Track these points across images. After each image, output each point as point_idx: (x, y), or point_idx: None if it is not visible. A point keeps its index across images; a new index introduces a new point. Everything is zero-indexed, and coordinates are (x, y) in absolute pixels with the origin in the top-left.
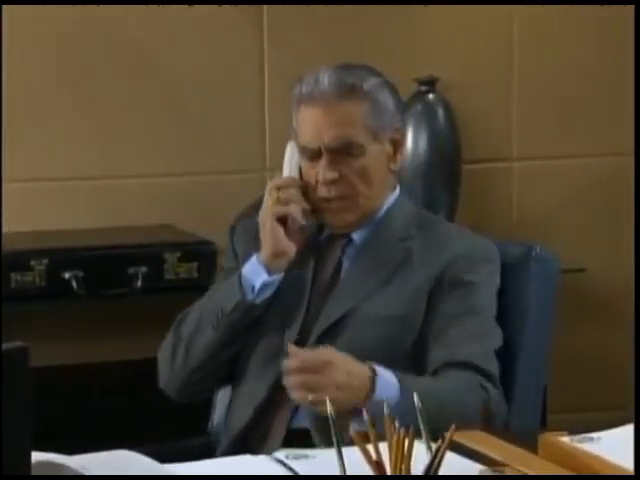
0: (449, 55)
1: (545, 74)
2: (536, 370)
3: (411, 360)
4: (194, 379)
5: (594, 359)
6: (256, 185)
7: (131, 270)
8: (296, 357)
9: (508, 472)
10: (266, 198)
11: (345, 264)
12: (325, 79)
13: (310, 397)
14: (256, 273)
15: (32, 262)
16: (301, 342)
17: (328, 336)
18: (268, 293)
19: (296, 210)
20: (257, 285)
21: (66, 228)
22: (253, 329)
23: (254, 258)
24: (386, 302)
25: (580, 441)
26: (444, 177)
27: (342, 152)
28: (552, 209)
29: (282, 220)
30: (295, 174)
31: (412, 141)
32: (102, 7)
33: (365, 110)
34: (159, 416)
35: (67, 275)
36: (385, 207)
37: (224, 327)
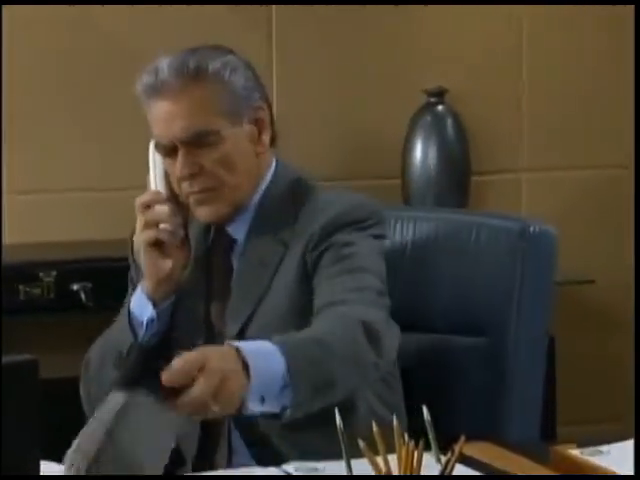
0: (458, 66)
1: (554, 85)
2: (534, 362)
3: None
4: None
5: (603, 371)
6: None
7: None
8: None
9: None
10: (137, 219)
11: (234, 268)
12: (165, 67)
13: (195, 418)
14: (143, 307)
15: (40, 274)
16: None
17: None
18: (161, 324)
19: (167, 230)
20: (144, 321)
21: (74, 239)
22: (166, 351)
23: (139, 289)
24: (278, 300)
25: (590, 454)
26: (453, 188)
27: (197, 143)
28: (560, 220)
29: (157, 244)
30: (161, 182)
31: (421, 152)
32: (105, 17)
33: (214, 93)
34: None
35: (75, 287)
36: (260, 192)
37: (127, 368)
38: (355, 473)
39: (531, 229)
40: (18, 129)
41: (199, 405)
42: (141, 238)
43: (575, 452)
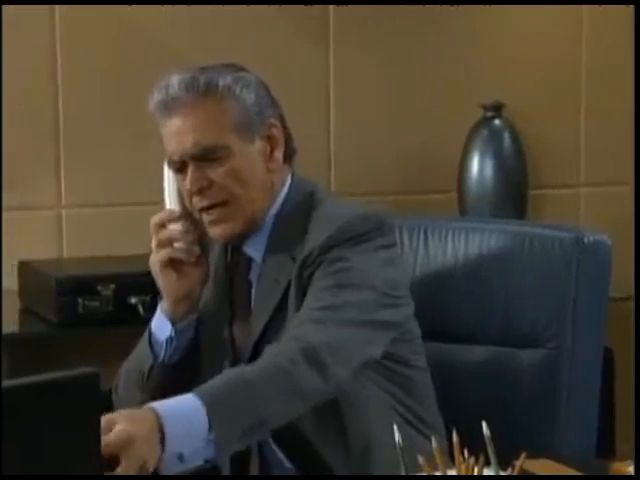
0: (515, 81)
1: (613, 98)
2: (591, 373)
3: None
4: None
5: None
6: None
7: None
8: None
9: None
10: (152, 239)
11: (253, 285)
12: (175, 83)
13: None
14: (162, 327)
15: (99, 287)
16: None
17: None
18: (181, 342)
19: (181, 249)
20: (163, 341)
21: (132, 253)
22: (189, 374)
23: (158, 310)
24: (286, 317)
25: None
26: (509, 202)
27: (207, 158)
28: (618, 235)
29: (172, 263)
30: (174, 200)
31: (478, 166)
32: (156, 28)
33: (225, 109)
34: None
35: (133, 300)
36: (275, 209)
37: (149, 390)
38: None
39: (585, 239)
40: (74, 143)
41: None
42: (156, 258)
43: (631, 469)
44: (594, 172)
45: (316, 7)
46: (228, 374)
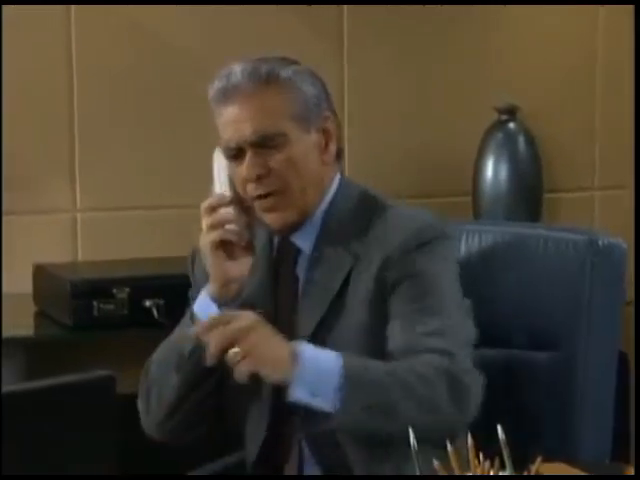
0: (530, 84)
1: (628, 102)
2: (605, 375)
3: None
4: (172, 422)
5: None
6: None
7: None
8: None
9: None
10: (202, 225)
11: (300, 279)
12: (238, 72)
13: (231, 352)
14: (206, 309)
15: (114, 290)
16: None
17: None
18: None
19: (233, 231)
20: None
21: (147, 256)
22: (224, 368)
23: (203, 292)
24: (350, 312)
25: None
26: (525, 206)
27: (265, 145)
28: (633, 239)
29: (223, 245)
30: (225, 187)
31: (492, 170)
32: (177, 36)
33: (285, 99)
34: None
35: (148, 303)
36: (326, 203)
37: (187, 371)
38: None
39: (600, 242)
40: (90, 146)
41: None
42: (207, 239)
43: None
44: (609, 175)
45: (330, 7)
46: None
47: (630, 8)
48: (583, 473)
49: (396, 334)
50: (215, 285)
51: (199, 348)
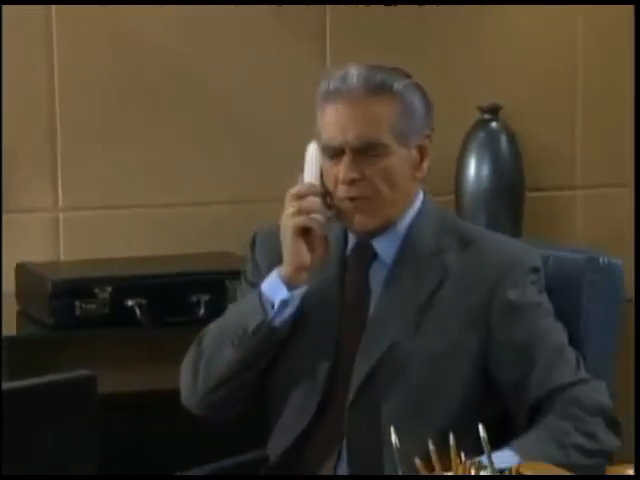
0: (512, 83)
1: (609, 102)
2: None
3: (465, 394)
4: (214, 396)
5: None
6: None
7: (194, 298)
8: None
9: None
10: (285, 209)
11: (375, 288)
12: (354, 76)
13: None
14: (275, 289)
15: (96, 290)
16: (332, 382)
17: (368, 384)
18: (289, 311)
19: (318, 220)
20: (276, 302)
21: (129, 256)
22: (280, 351)
23: (274, 273)
24: (429, 336)
25: None
26: (507, 205)
27: (365, 152)
28: (616, 238)
29: (304, 232)
30: (316, 179)
31: (475, 168)
32: (159, 35)
33: (393, 111)
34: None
35: (130, 303)
36: (410, 217)
37: (246, 347)
38: None
39: (600, 260)
40: (72, 146)
41: None
42: (291, 223)
43: (630, 472)
44: (590, 174)
45: (313, 8)
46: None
47: (609, 8)
48: (564, 471)
49: (532, 378)
50: (288, 268)
51: (265, 325)
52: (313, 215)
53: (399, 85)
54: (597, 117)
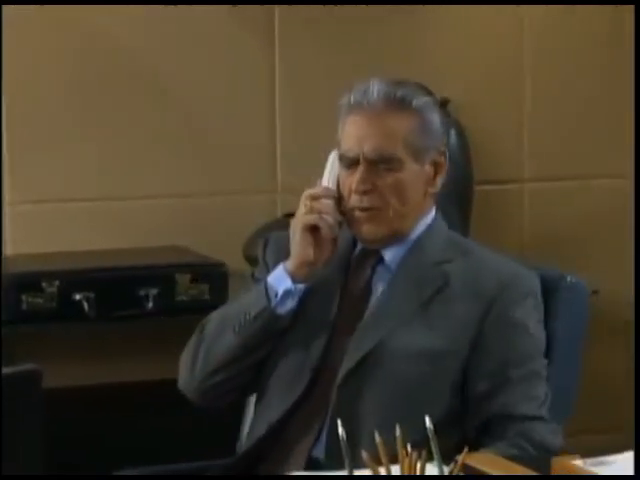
0: (460, 77)
1: (557, 96)
2: (563, 405)
3: (451, 397)
4: (212, 382)
5: (607, 380)
6: (267, 206)
7: (142, 291)
8: None
9: None
10: (299, 207)
11: (377, 288)
12: (375, 90)
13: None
14: (280, 280)
15: (43, 284)
16: (324, 363)
17: (359, 370)
18: (291, 303)
19: (327, 221)
20: (280, 291)
21: (77, 250)
22: (277, 341)
23: (280, 266)
24: (424, 334)
25: (594, 465)
26: (456, 198)
27: (380, 164)
28: (563, 230)
29: (313, 230)
30: (332, 185)
31: None
32: (108, 26)
33: (410, 126)
34: (167, 436)
35: (78, 296)
36: (419, 229)
37: (246, 333)
38: None
39: (568, 279)
40: (20, 140)
41: None
42: (302, 219)
43: (578, 463)
44: (538, 168)
45: (261, 7)
46: None
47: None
48: (510, 463)
49: (498, 396)
50: (294, 262)
51: (267, 311)
52: (324, 216)
53: (418, 102)
54: (545, 109)
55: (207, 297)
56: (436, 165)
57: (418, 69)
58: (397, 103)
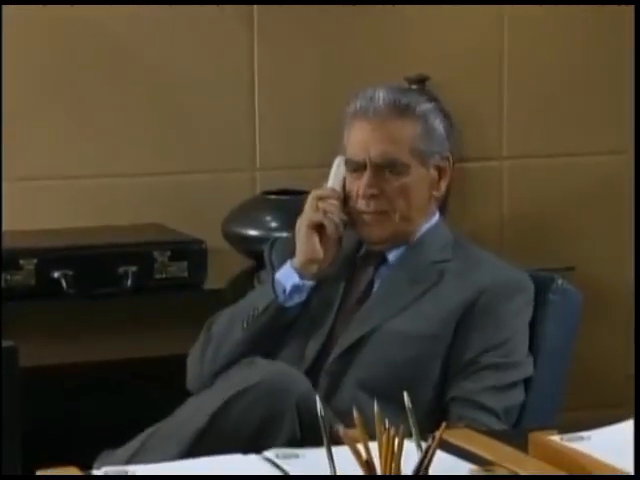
0: (439, 54)
1: (536, 72)
2: (550, 407)
3: (437, 381)
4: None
5: (586, 358)
6: (246, 184)
7: (121, 269)
8: None
9: (498, 471)
10: (306, 207)
11: (377, 283)
12: (380, 96)
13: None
14: (288, 276)
15: (21, 261)
16: (322, 356)
17: (351, 351)
18: (298, 298)
19: (332, 221)
20: (288, 287)
21: (55, 227)
22: (281, 336)
23: (288, 263)
24: (415, 321)
25: (570, 440)
26: None
27: (386, 169)
28: (542, 207)
29: (318, 228)
30: (338, 187)
31: None
32: (92, 7)
33: (415, 132)
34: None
35: (57, 274)
36: (422, 231)
37: (254, 327)
38: (336, 460)
39: (559, 282)
40: (1, 119)
41: None
42: (307, 217)
43: (555, 438)
44: (517, 145)
45: None
46: None
47: None
48: (487, 438)
49: (459, 382)
50: (299, 258)
51: (274, 304)
52: (329, 215)
53: (422, 108)
54: (523, 88)
55: (186, 274)
56: (440, 170)
57: (396, 47)
58: (402, 109)
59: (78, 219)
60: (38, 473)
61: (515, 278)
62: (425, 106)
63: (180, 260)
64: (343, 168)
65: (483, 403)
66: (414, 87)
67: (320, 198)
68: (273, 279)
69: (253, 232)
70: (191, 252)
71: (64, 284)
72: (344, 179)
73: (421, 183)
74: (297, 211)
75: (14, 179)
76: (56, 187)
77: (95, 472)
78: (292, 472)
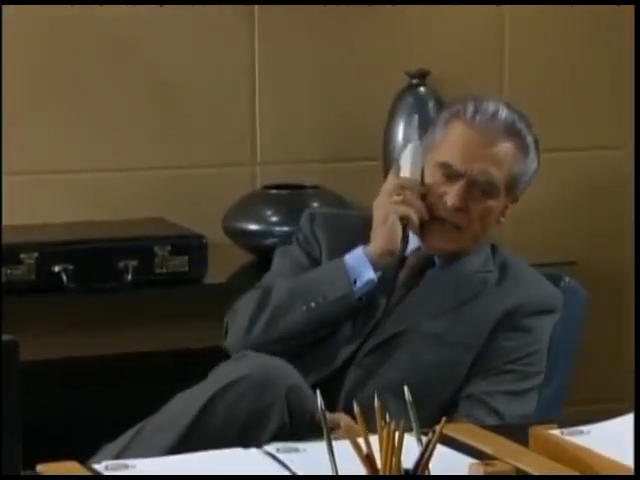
0: (440, 48)
1: (536, 67)
2: (555, 406)
3: (459, 385)
4: (271, 348)
5: (586, 352)
6: (246, 178)
7: (121, 264)
8: None
9: (499, 465)
10: (388, 191)
11: (421, 283)
12: (503, 115)
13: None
14: (361, 267)
15: (22, 255)
16: (357, 353)
17: (382, 349)
18: (365, 290)
19: (416, 217)
20: (362, 280)
21: (55, 222)
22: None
23: (360, 250)
24: (452, 327)
25: (570, 434)
26: None
27: (480, 187)
28: (542, 202)
29: (402, 220)
30: (417, 176)
31: (403, 134)
32: (92, 7)
33: (516, 160)
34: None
35: (57, 268)
36: (475, 245)
37: (318, 314)
38: (336, 454)
39: (566, 280)
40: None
41: None
42: (395, 208)
43: (555, 432)
44: None
45: None
46: None
47: None
48: (490, 433)
49: (478, 380)
50: (380, 247)
51: (347, 299)
52: (415, 210)
53: (529, 139)
54: (523, 84)
55: (186, 269)
56: (515, 200)
57: (397, 41)
58: (515, 133)
59: (78, 213)
60: (38, 468)
61: (552, 296)
62: (530, 137)
63: (181, 254)
64: (420, 157)
65: (495, 407)
66: (416, 81)
67: (404, 187)
68: (344, 265)
69: (254, 226)
70: (192, 246)
71: (64, 278)
72: (422, 169)
73: (498, 209)
74: (298, 205)
75: (14, 173)
76: (56, 181)
77: (95, 466)
78: (293, 466)
